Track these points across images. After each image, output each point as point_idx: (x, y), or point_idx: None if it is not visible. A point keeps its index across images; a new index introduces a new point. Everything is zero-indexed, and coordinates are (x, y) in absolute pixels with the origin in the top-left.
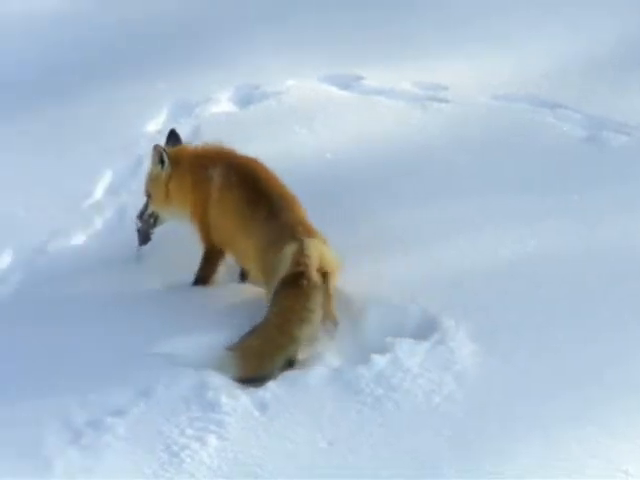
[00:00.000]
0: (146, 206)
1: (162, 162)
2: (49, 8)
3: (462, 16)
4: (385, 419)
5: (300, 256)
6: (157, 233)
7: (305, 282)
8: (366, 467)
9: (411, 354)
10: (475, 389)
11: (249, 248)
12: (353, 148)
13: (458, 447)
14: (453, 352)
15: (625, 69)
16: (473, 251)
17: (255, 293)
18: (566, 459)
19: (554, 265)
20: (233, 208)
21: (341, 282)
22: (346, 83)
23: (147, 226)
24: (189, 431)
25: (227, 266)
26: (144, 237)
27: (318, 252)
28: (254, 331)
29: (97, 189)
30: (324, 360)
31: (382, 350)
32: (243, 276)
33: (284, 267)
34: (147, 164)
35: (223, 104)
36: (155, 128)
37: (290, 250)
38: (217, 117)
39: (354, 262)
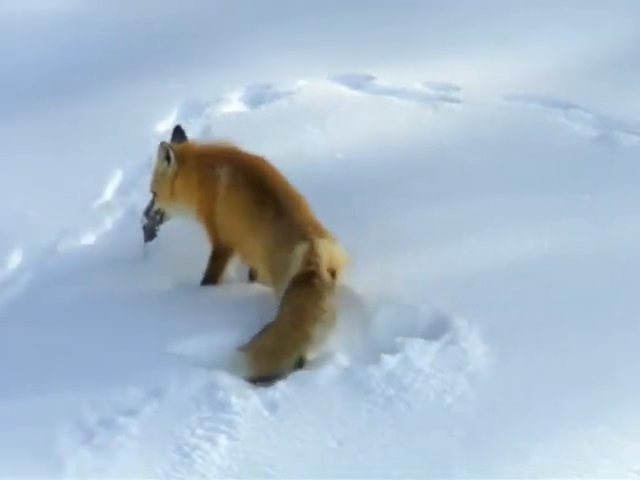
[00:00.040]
0: (152, 203)
1: (168, 159)
2: (49, 8)
3: (465, 16)
4: (396, 419)
5: (311, 256)
6: (167, 233)
7: (317, 281)
8: (376, 467)
9: (422, 354)
10: (488, 390)
11: (257, 248)
12: (365, 148)
13: (470, 447)
14: (466, 353)
15: (638, 69)
16: (485, 251)
17: (265, 292)
18: (577, 459)
19: (566, 265)
20: (240, 208)
21: (352, 282)
22: (357, 83)
23: (153, 223)
24: (200, 431)
25: (236, 265)
26: (150, 234)
27: (328, 252)
28: (266, 330)
29: (107, 189)
30: (334, 360)
31: (393, 350)
32: (252, 275)
33: (295, 267)
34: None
35: (234, 104)
36: (165, 128)
37: (301, 250)
38: (228, 117)
39: (365, 262)
